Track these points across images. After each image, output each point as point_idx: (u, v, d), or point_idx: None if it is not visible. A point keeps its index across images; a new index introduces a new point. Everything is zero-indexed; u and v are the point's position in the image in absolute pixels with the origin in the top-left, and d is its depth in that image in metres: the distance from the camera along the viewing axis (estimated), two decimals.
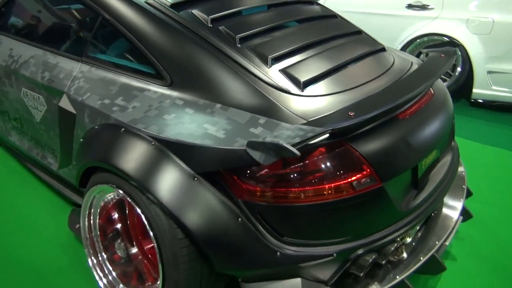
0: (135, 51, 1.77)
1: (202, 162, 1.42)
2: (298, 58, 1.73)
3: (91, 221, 1.80)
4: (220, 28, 1.74)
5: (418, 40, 4.05)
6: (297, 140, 1.24)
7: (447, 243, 1.83)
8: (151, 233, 1.45)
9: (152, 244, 1.77)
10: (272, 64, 1.65)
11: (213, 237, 1.40)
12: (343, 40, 1.95)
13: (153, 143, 1.49)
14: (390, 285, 1.56)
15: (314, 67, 1.71)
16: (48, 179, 2.37)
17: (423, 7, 3.95)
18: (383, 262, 1.56)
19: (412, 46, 4.07)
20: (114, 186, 1.55)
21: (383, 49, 2.04)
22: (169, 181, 1.42)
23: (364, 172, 1.44)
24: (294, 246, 1.45)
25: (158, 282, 1.51)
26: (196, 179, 1.41)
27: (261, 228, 1.44)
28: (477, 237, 2.23)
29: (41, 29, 2.39)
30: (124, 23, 1.80)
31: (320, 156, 1.41)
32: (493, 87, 3.80)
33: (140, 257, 1.81)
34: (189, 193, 1.41)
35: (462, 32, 3.78)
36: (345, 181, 1.42)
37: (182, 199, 1.40)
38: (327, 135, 1.32)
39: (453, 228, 1.88)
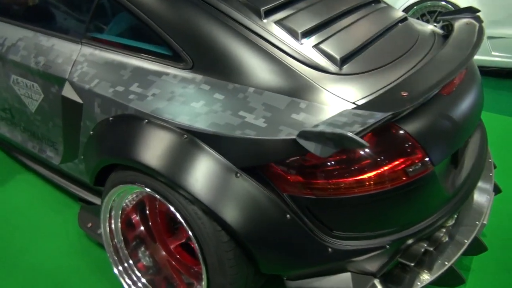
0: (147, 30, 1.56)
1: (245, 156, 1.26)
2: (329, 32, 1.57)
3: (112, 226, 1.63)
4: (241, 1, 1.55)
5: (415, 6, 3.93)
6: (359, 128, 1.11)
7: (485, 222, 1.76)
8: (194, 238, 1.30)
9: (179, 242, 1.65)
10: (303, 39, 1.49)
11: (261, 237, 1.27)
12: (366, 10, 1.80)
13: (185, 136, 1.32)
14: (440, 272, 1.49)
15: (347, 42, 1.56)
16: (48, 173, 2.17)
17: None
18: (432, 249, 1.48)
19: (412, 11, 3.95)
20: (144, 186, 1.38)
21: (405, 18, 1.91)
22: (209, 179, 1.26)
23: (417, 156, 1.33)
24: (346, 240, 1.34)
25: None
26: (238, 174, 1.26)
27: (310, 223, 1.31)
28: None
29: (29, 7, 2.11)
30: (134, 1, 1.58)
31: (371, 142, 1.29)
32: (493, 53, 3.75)
33: (167, 261, 1.67)
34: (232, 191, 1.26)
35: None
36: (399, 168, 1.30)
37: (225, 199, 1.25)
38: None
39: (489, 205, 1.81)
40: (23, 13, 2.08)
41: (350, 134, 1.05)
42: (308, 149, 1.15)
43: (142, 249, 1.69)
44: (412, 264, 1.43)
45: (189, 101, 1.39)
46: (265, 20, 1.51)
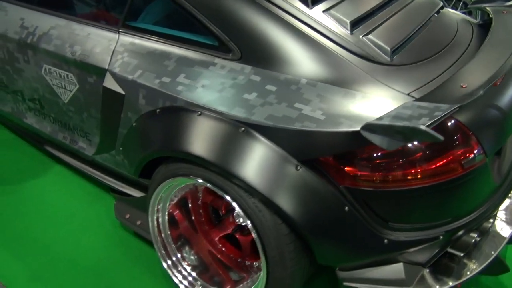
0: (191, 19, 1.53)
1: (306, 149, 1.25)
2: (376, 22, 1.55)
3: (160, 220, 1.62)
4: None
5: None
6: (427, 121, 1.10)
7: None
8: (254, 231, 1.30)
9: (224, 234, 1.65)
10: (353, 29, 1.47)
11: (321, 229, 1.27)
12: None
13: (242, 128, 1.30)
14: (487, 262, 1.50)
15: (395, 32, 1.54)
16: (79, 165, 2.14)
17: None
18: (481, 239, 1.49)
19: None
20: (199, 179, 1.36)
21: (442, 7, 1.88)
22: (269, 171, 1.25)
23: (472, 148, 1.32)
24: (401, 231, 1.35)
25: (260, 284, 1.39)
26: (298, 167, 1.25)
27: (366, 215, 1.31)
28: None
29: None
30: None
31: None
32: None
33: (212, 256, 1.67)
34: (293, 184, 1.25)
35: None
36: (455, 160, 1.30)
37: (286, 191, 1.24)
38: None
39: None
40: (55, 1, 2.03)
41: (424, 127, 1.04)
42: (374, 142, 1.14)
43: (187, 248, 1.69)
44: (462, 255, 1.44)
45: (241, 93, 1.37)
46: (313, 9, 1.48)
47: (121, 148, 1.76)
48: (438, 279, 1.45)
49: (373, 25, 1.51)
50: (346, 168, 1.28)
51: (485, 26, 1.80)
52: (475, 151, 1.32)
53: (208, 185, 1.38)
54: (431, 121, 1.09)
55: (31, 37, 1.91)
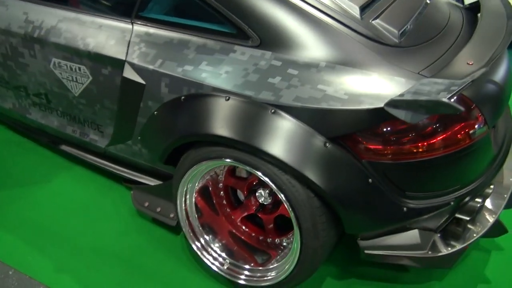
0: (207, 8, 1.58)
1: (333, 126, 1.35)
2: (382, 5, 1.65)
3: (187, 203, 1.68)
4: None
5: None
6: (446, 94, 1.21)
7: None
8: (289, 205, 1.39)
9: (247, 214, 1.73)
10: (362, 14, 1.57)
11: (350, 201, 1.38)
12: None
13: (272, 110, 1.38)
14: (490, 225, 1.65)
15: (399, 16, 1.65)
16: (89, 157, 2.16)
17: None
18: (483, 204, 1.63)
19: None
20: (232, 160, 1.44)
21: None
22: (301, 149, 1.34)
23: (478, 120, 1.46)
24: (416, 199, 1.47)
25: (292, 255, 1.48)
26: (327, 144, 1.35)
27: (386, 186, 1.43)
28: None
29: None
30: None
31: None
32: None
33: (235, 239, 1.75)
34: (323, 159, 1.35)
35: None
36: (464, 131, 1.43)
37: (317, 167, 1.34)
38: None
39: None
40: None
41: (446, 100, 1.16)
42: (398, 117, 1.25)
43: (211, 230, 1.76)
44: (468, 219, 1.58)
45: (265, 77, 1.45)
46: None
47: (139, 137, 1.80)
48: (447, 244, 1.59)
49: (380, 10, 1.62)
50: (367, 144, 1.39)
51: (471, 9, 1.94)
52: (479, 123, 1.45)
53: (241, 166, 1.46)
54: (450, 94, 1.21)
55: (38, 31, 1.91)
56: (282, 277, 1.58)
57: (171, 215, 1.84)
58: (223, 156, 1.46)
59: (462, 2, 3.72)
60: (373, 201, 1.41)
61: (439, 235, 1.58)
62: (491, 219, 1.68)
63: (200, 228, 1.73)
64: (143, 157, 1.89)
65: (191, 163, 1.54)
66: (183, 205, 1.69)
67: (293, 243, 1.48)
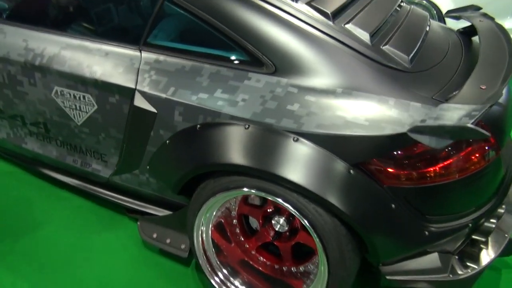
0: (219, 34, 1.58)
1: (356, 153, 1.34)
2: (389, 32, 1.68)
3: (204, 236, 1.63)
4: (307, 4, 1.62)
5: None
6: (469, 120, 1.23)
7: None
8: (316, 235, 1.36)
9: (262, 242, 1.69)
10: (373, 41, 1.59)
11: (376, 227, 1.36)
12: (404, 9, 1.94)
13: (295, 138, 1.37)
14: (504, 244, 1.67)
15: (407, 41, 1.69)
16: (89, 187, 2.08)
17: None
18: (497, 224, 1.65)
19: None
20: (257, 190, 1.40)
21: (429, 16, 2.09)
22: (326, 177, 1.33)
23: (490, 142, 1.49)
24: (437, 223, 1.47)
25: (319, 283, 1.45)
26: (351, 171, 1.34)
27: (408, 211, 1.42)
28: None
29: (69, 13, 2.01)
30: (203, 6, 1.58)
31: None
32: None
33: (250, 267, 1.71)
34: (348, 187, 1.33)
35: None
36: (479, 154, 1.45)
37: (344, 195, 1.32)
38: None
39: None
40: (63, 21, 1.98)
41: (472, 126, 1.17)
42: (422, 142, 1.26)
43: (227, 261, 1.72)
44: (485, 240, 1.59)
45: (283, 104, 1.44)
46: (335, 23, 1.59)
47: (148, 167, 1.75)
48: (464, 265, 1.59)
49: (388, 36, 1.65)
50: (388, 169, 1.39)
51: (465, 33, 2.01)
52: (492, 145, 1.48)
53: (263, 195, 1.43)
54: (473, 120, 1.23)
55: (40, 58, 1.85)
56: None
57: (182, 246, 1.78)
58: (244, 186, 1.42)
59: (444, 23, 3.88)
60: (397, 226, 1.40)
61: (457, 257, 1.59)
62: (504, 239, 1.70)
63: (218, 263, 1.68)
64: (151, 187, 1.84)
65: (209, 194, 1.50)
66: (200, 238, 1.63)
67: (320, 273, 1.44)
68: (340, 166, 1.34)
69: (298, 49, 1.51)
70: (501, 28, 1.93)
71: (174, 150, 1.61)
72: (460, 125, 1.19)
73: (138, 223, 1.90)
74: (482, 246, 1.65)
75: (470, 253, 1.63)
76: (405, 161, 1.39)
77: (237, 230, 1.73)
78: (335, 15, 1.62)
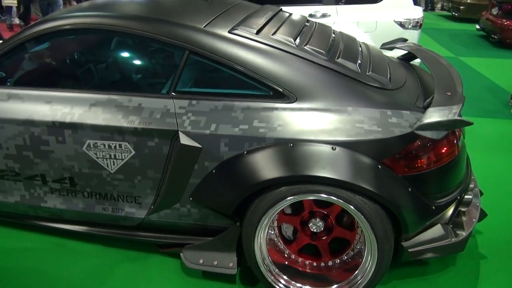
0: (244, 77, 1.91)
1: (379, 151, 1.74)
2: (366, 62, 2.16)
3: (262, 248, 1.87)
4: (304, 47, 2.03)
5: None
6: (456, 115, 1.71)
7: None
8: (364, 219, 1.70)
9: (302, 245, 1.98)
10: (361, 69, 2.04)
11: (403, 206, 1.74)
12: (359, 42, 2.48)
13: (333, 147, 1.72)
14: (479, 212, 2.16)
15: (381, 67, 2.16)
16: (119, 232, 2.18)
17: (323, 15, 4.80)
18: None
19: None
20: (313, 193, 1.72)
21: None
22: (365, 173, 1.70)
23: (459, 134, 2.00)
24: (438, 199, 1.90)
25: (369, 259, 1.78)
26: (379, 166, 1.73)
27: (418, 192, 1.84)
28: None
29: (92, 72, 2.16)
30: (224, 54, 1.91)
31: None
32: None
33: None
34: (381, 177, 1.72)
35: (356, 32, 4.75)
36: (456, 143, 1.93)
37: (380, 184, 1.70)
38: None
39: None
40: (86, 79, 2.13)
41: (461, 118, 1.65)
42: (427, 136, 1.71)
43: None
44: (466, 210, 2.07)
45: (313, 124, 1.80)
46: (329, 58, 2.02)
47: (191, 198, 1.96)
48: (456, 232, 2.03)
49: (367, 65, 2.12)
50: (398, 161, 1.80)
51: (404, 60, 2.60)
52: (460, 135, 1.99)
53: (316, 197, 1.75)
54: (457, 115, 1.71)
55: (70, 116, 1.99)
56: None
57: (230, 264, 1.98)
58: (300, 192, 1.73)
59: None
60: (416, 204, 1.80)
61: (451, 226, 2.03)
62: (478, 208, 2.20)
63: (277, 270, 1.93)
64: (192, 217, 2.03)
65: (268, 205, 1.77)
66: (259, 250, 1.88)
67: (369, 251, 1.78)
68: (372, 163, 1.73)
69: (313, 81, 1.90)
70: (430, 50, 2.54)
71: (223, 176, 1.86)
72: (452, 118, 1.66)
73: (181, 254, 2.06)
74: (462, 216, 2.13)
75: (457, 222, 2.09)
76: (409, 154, 1.82)
77: (279, 238, 2.00)
78: (328, 52, 2.05)
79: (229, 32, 2.01)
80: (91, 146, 2.00)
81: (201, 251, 2.05)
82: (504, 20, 7.36)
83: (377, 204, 1.72)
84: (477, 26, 8.39)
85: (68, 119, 1.99)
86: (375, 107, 1.87)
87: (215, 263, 2.01)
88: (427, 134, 1.73)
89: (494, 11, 7.84)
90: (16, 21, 8.40)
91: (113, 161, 2.02)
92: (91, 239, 2.31)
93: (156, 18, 2.06)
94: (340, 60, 2.02)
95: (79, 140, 2.01)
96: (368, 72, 2.04)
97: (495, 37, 7.63)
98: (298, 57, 1.96)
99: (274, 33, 2.09)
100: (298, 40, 2.10)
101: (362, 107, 1.87)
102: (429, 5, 12.37)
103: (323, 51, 2.02)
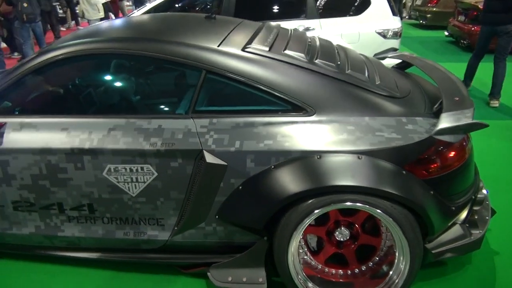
0: (260, 95, 1.95)
1: (402, 157, 1.80)
2: (373, 72, 2.24)
3: (294, 260, 1.89)
4: (315, 61, 2.10)
5: None
6: (470, 119, 1.80)
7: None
8: (396, 224, 1.75)
9: (329, 255, 2.01)
10: (370, 79, 2.12)
11: (429, 208, 1.81)
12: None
13: (359, 156, 1.77)
14: (490, 211, 2.25)
15: (388, 78, 2.25)
16: (139, 256, 2.15)
17: (307, 29, 4.92)
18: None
19: None
20: (342, 202, 1.75)
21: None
22: (392, 179, 1.75)
23: (467, 139, 2.09)
24: (455, 200, 1.98)
25: (402, 261, 1.83)
26: (403, 171, 1.79)
27: (439, 194, 1.91)
28: None
29: (108, 96, 2.14)
30: (244, 74, 1.95)
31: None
32: None
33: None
34: (406, 182, 1.78)
35: (341, 43, 4.89)
36: (466, 146, 2.03)
37: (407, 189, 1.76)
38: None
39: None
40: (103, 105, 2.11)
41: (477, 121, 1.74)
42: (446, 140, 1.79)
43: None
44: (478, 208, 2.16)
45: (336, 135, 1.85)
46: (340, 71, 2.09)
47: (217, 216, 1.96)
48: (470, 232, 2.12)
49: (374, 75, 2.20)
50: (417, 166, 1.87)
51: (400, 68, 2.71)
52: (468, 139, 2.09)
53: (346, 206, 1.79)
54: (472, 118, 1.80)
55: (89, 142, 1.96)
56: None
57: (260, 280, 1.98)
58: (332, 202, 1.77)
59: None
60: (439, 206, 1.87)
61: (467, 225, 2.12)
62: (489, 208, 2.30)
63: (311, 284, 1.95)
64: (218, 235, 2.03)
65: (301, 216, 1.79)
66: (292, 263, 1.89)
67: (400, 255, 1.83)
68: (396, 169, 1.79)
69: (329, 94, 1.96)
70: (423, 58, 2.66)
71: (252, 192, 1.87)
72: (469, 122, 1.75)
73: (209, 273, 2.04)
74: (476, 216, 2.23)
75: (471, 221, 2.18)
76: (428, 159, 1.90)
77: (305, 249, 2.02)
78: (337, 65, 2.12)
79: (243, 50, 2.06)
80: (112, 170, 1.98)
81: (228, 268, 2.04)
82: (471, 26, 7.74)
83: (406, 209, 1.78)
84: (446, 33, 8.78)
85: (87, 145, 1.97)
86: (390, 115, 1.95)
87: (244, 279, 2.01)
88: (446, 138, 1.81)
89: (461, 18, 8.24)
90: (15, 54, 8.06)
91: (135, 185, 2.00)
92: (102, 265, 2.26)
93: (171, 40, 2.08)
94: (350, 72, 2.10)
95: (99, 166, 1.98)
96: (377, 82, 2.12)
97: (464, 42, 8.01)
98: (311, 71, 2.02)
99: (285, 49, 2.15)
100: (308, 55, 2.16)
101: (378, 116, 1.94)
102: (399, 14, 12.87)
103: (333, 64, 2.09)
